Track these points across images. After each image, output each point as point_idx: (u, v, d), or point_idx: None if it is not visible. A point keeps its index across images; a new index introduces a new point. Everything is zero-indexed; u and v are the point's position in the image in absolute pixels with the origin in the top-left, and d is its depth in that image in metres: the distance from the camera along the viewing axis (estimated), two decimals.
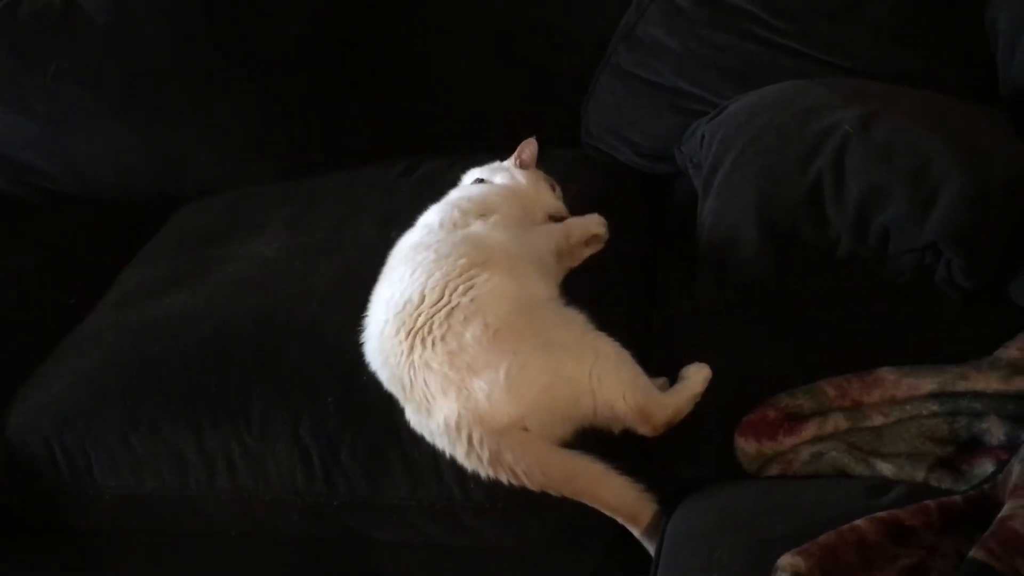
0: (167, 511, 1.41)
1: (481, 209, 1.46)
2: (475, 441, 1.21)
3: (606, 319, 1.34)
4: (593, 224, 1.54)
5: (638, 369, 1.28)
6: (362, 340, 1.35)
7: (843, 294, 1.45)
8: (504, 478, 1.22)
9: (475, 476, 1.27)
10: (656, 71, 1.83)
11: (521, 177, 1.60)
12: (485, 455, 1.21)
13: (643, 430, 1.27)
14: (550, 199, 1.60)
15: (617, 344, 1.28)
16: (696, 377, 1.33)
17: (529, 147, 1.65)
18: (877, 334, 1.37)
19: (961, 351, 1.29)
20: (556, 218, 1.57)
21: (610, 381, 1.24)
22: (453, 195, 1.56)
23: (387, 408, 1.30)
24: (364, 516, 1.36)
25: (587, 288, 1.46)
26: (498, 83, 2.07)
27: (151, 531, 1.48)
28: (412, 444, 1.30)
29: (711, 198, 1.49)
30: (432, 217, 1.46)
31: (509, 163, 1.65)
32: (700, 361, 1.35)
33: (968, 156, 1.32)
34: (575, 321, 1.31)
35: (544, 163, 1.88)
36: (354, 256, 1.59)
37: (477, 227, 1.41)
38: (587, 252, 1.54)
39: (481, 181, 1.61)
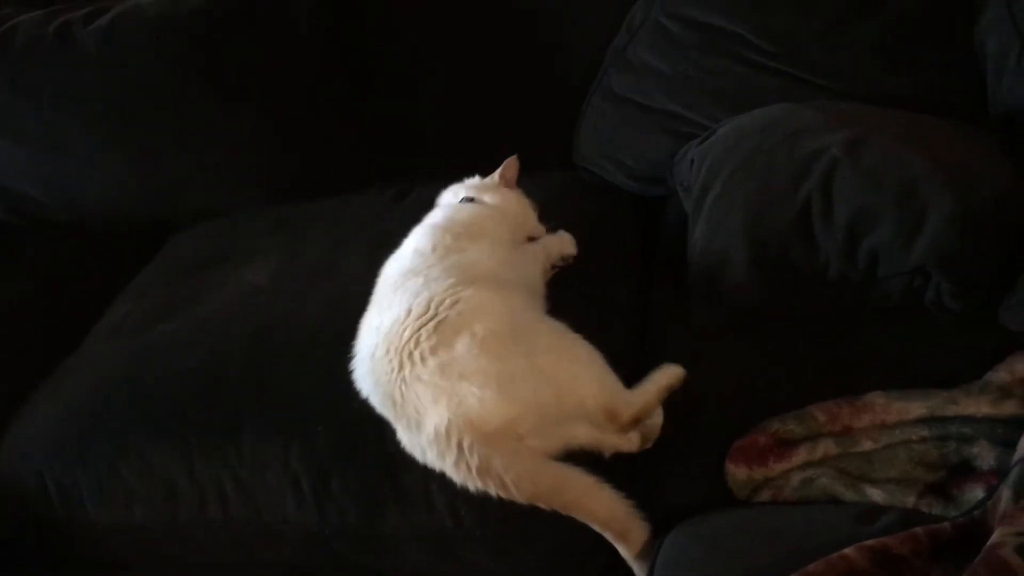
0: (158, 541, 1.40)
1: (473, 233, 1.46)
2: (465, 447, 1.20)
3: (601, 342, 1.33)
4: (567, 243, 1.58)
5: (607, 370, 1.30)
6: (352, 368, 1.35)
7: (834, 317, 1.44)
8: (493, 489, 1.21)
9: (466, 502, 1.27)
10: (647, 94, 1.83)
11: (512, 197, 1.62)
12: (475, 462, 1.20)
13: (613, 429, 1.28)
14: (534, 222, 1.62)
15: (589, 345, 1.30)
16: (665, 371, 1.34)
17: (512, 166, 1.66)
18: (868, 357, 1.37)
19: (952, 374, 1.29)
20: (532, 238, 1.59)
21: (581, 381, 1.27)
22: (440, 216, 1.55)
23: (378, 436, 1.30)
24: (355, 545, 1.35)
25: (582, 311, 1.46)
26: (492, 106, 2.07)
27: (142, 562, 1.48)
28: (403, 472, 1.30)
29: (701, 222, 1.49)
30: (423, 242, 1.45)
31: (493, 180, 1.65)
32: (691, 384, 1.35)
33: (955, 178, 1.31)
34: (555, 326, 1.33)
35: (537, 186, 1.88)
36: (344, 282, 1.59)
37: (470, 253, 1.41)
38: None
39: (471, 200, 1.60)
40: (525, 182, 1.88)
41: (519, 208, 1.61)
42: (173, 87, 1.87)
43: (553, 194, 1.86)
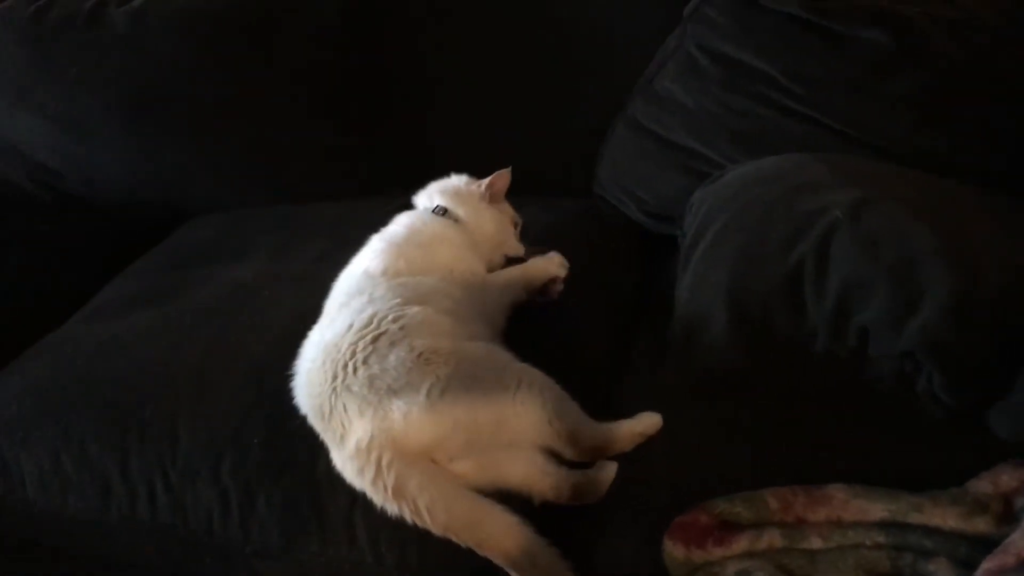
0: (89, 534, 1.38)
1: (430, 258, 1.40)
2: (383, 464, 1.15)
3: (565, 383, 1.26)
4: (553, 266, 1.48)
5: (566, 396, 1.24)
6: (292, 385, 1.30)
7: (818, 394, 1.32)
8: (407, 514, 1.15)
9: (389, 538, 1.21)
10: (668, 127, 1.73)
11: (489, 214, 1.53)
12: (390, 481, 1.14)
13: (569, 454, 1.23)
14: (512, 242, 1.54)
15: (542, 373, 1.24)
16: (645, 420, 1.28)
17: (502, 179, 1.55)
18: (839, 443, 1.24)
19: (931, 476, 1.16)
20: (512, 258, 1.51)
21: (535, 407, 1.20)
22: (402, 231, 1.48)
23: (311, 458, 1.26)
24: (275, 568, 1.30)
25: (553, 349, 1.39)
26: (513, 121, 2.00)
27: (75, 555, 1.46)
28: (329, 499, 1.25)
29: (688, 273, 1.39)
30: (375, 264, 1.40)
31: (477, 190, 1.55)
32: (643, 446, 1.26)
33: (961, 259, 1.18)
34: (502, 353, 1.27)
35: (548, 210, 1.81)
36: (324, 291, 1.54)
37: (422, 278, 1.36)
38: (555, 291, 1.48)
39: (444, 211, 1.52)
40: (537, 204, 1.82)
41: (495, 227, 1.52)
42: (192, 78, 1.88)
43: (561, 220, 1.79)
